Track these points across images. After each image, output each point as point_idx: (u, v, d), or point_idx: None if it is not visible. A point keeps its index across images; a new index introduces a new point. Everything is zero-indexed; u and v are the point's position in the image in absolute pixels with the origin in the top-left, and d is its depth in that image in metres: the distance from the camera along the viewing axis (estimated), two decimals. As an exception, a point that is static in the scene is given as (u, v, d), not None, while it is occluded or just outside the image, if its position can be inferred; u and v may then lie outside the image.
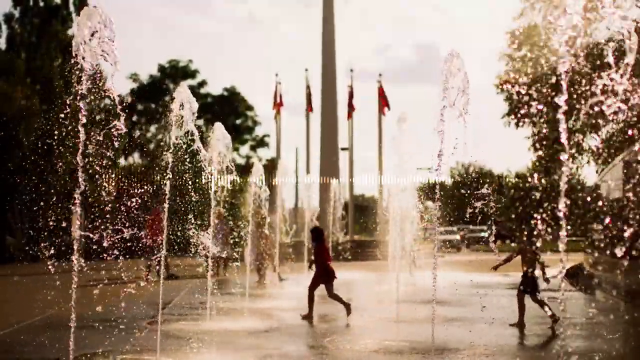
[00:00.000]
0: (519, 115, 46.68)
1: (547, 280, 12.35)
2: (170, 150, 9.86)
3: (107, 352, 9.45)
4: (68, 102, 7.04)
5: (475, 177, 76.56)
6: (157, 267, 22.31)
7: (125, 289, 10.74)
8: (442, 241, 49.08)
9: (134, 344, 10.20)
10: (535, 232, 11.92)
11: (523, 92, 44.03)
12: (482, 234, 57.38)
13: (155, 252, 20.12)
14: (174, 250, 23.96)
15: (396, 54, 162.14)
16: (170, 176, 9.96)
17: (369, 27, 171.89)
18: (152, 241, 21.60)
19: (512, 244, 59.68)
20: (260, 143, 65.13)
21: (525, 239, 13.24)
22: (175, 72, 61.73)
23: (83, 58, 6.83)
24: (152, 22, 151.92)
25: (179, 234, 23.17)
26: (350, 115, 44.42)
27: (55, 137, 29.71)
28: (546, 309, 12.32)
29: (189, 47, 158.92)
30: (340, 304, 13.80)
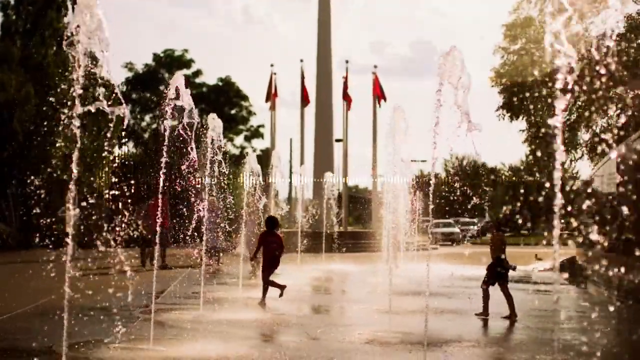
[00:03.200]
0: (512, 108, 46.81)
1: (508, 269, 12.63)
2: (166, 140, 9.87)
3: (100, 340, 9.46)
4: (62, 90, 7.02)
5: (470, 169, 76.71)
6: (152, 255, 22.39)
7: (119, 277, 10.74)
8: (441, 234, 49.25)
9: (127, 333, 10.21)
10: (507, 222, 12.16)
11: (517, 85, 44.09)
12: (472, 227, 57.34)
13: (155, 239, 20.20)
14: (173, 240, 24.04)
15: (393, 51, 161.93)
16: (164, 165, 9.97)
17: (365, 24, 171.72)
18: (152, 229, 21.58)
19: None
20: (255, 134, 65.03)
21: (496, 228, 13.37)
22: (170, 62, 61.50)
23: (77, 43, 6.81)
24: (148, 15, 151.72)
25: (175, 224, 23.24)
26: (349, 107, 44.30)
27: (49, 126, 29.72)
28: (488, 302, 12.56)
29: (185, 40, 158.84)
30: (264, 291, 14.19)
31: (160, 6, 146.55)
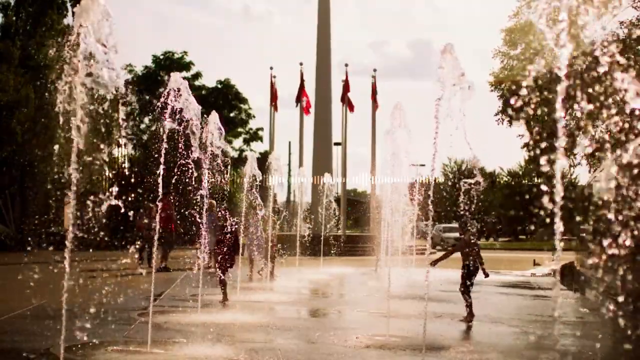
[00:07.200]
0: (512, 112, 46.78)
1: (487, 274, 12.67)
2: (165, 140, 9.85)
3: (98, 343, 9.44)
4: (62, 90, 6.99)
5: (468, 173, 76.67)
6: (149, 257, 22.37)
7: (117, 279, 10.73)
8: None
9: (125, 335, 10.19)
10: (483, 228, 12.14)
11: (517, 89, 44.02)
12: None
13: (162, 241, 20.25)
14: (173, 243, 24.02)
15: (391, 50, 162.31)
16: (163, 167, 9.96)
17: (364, 24, 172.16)
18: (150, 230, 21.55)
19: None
20: (254, 136, 64.89)
21: (470, 233, 13.29)
22: (169, 64, 61.36)
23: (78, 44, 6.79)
24: (147, 14, 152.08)
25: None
26: (351, 109, 44.11)
27: (49, 126, 29.68)
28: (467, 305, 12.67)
29: (184, 40, 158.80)
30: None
31: (160, 6, 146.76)
